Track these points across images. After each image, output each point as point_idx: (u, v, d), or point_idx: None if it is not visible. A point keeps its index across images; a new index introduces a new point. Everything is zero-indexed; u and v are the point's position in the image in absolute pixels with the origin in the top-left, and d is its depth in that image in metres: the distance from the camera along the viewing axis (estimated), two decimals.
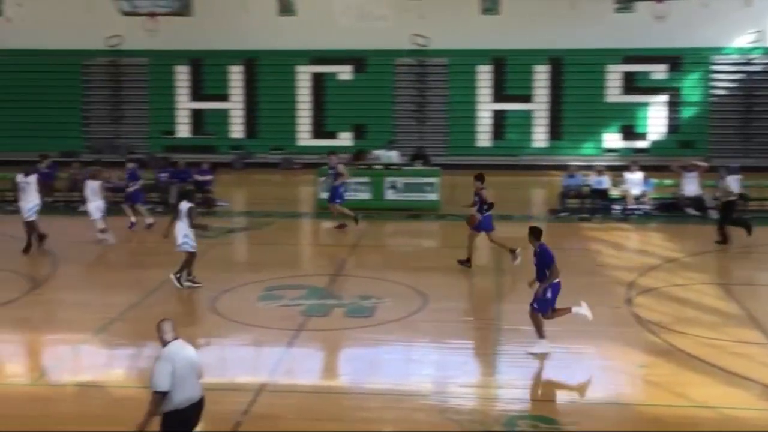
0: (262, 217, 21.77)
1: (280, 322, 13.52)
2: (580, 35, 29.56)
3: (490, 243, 17.14)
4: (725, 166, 19.98)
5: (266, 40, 30.38)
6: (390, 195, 22.34)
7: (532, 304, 12.06)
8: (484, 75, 30.68)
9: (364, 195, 22.21)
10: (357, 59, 30.55)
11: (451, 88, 30.68)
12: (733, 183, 19.34)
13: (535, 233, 12.25)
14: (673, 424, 10.04)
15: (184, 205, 15.09)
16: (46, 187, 22.80)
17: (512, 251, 16.46)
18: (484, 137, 30.79)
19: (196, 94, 30.96)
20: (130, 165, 21.25)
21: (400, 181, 22.40)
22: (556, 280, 11.99)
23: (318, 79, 30.79)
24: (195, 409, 8.23)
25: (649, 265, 17.00)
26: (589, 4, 29.59)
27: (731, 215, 18.93)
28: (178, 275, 15.11)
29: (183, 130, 31.00)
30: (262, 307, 14.34)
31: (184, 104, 30.97)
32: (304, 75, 30.79)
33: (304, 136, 30.84)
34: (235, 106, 30.92)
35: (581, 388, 11.21)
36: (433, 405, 10.55)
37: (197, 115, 30.96)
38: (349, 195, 21.18)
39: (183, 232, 15.05)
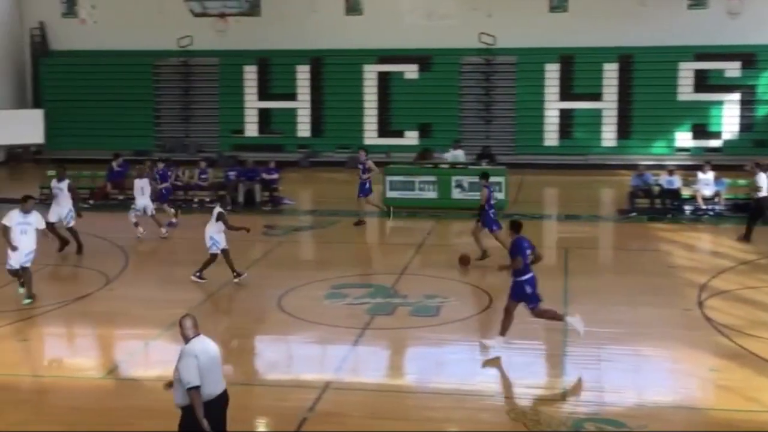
0: (327, 216, 21.89)
1: (346, 320, 13.58)
2: (651, 32, 29.05)
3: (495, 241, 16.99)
4: (757, 163, 19.54)
5: (333, 39, 30.54)
6: (456, 194, 22.25)
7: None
8: (552, 73, 30.36)
9: (431, 194, 22.16)
10: (423, 58, 30.51)
11: (517, 87, 30.43)
12: (763, 180, 18.83)
13: (513, 227, 12.37)
14: (745, 429, 9.79)
15: (216, 210, 15.51)
16: (117, 185, 23.39)
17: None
18: (551, 136, 30.48)
19: (264, 94, 31.27)
20: (160, 165, 21.78)
21: (466, 180, 22.27)
22: (530, 275, 11.95)
23: (384, 78, 30.83)
24: (215, 404, 8.22)
25: (722, 267, 16.61)
26: (660, 0, 29.06)
27: (761, 213, 18.58)
28: (234, 273, 15.47)
29: (251, 129, 31.36)
30: (328, 305, 14.42)
31: (252, 103, 31.32)
32: (370, 74, 30.86)
33: (370, 135, 30.89)
34: (302, 105, 31.16)
35: (650, 391, 11.01)
36: (498, 405, 10.49)
37: (265, 114, 31.29)
38: (416, 194, 21.19)
39: (209, 234, 15.47)
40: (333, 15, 30.73)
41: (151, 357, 12.55)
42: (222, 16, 28.83)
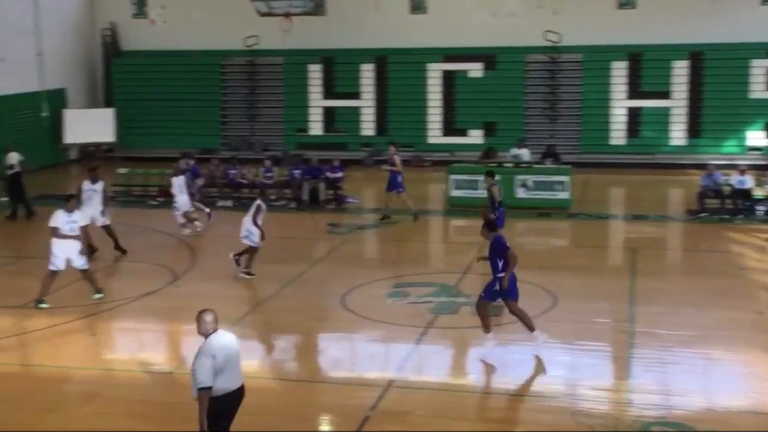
0: (391, 214, 21.89)
1: (409, 319, 13.59)
2: (723, 29, 28.39)
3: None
4: None
5: (397, 38, 30.56)
6: (520, 193, 22.10)
7: (481, 294, 12.01)
8: (619, 71, 29.86)
9: None
10: (488, 56, 30.31)
11: (583, 85, 30.02)
12: None
13: (488, 226, 12.25)
14: None
15: (256, 203, 16.06)
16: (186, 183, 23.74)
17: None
18: (618, 135, 29.99)
19: (329, 92, 31.44)
20: (190, 162, 22.06)
21: (531, 179, 22.11)
22: (502, 274, 11.83)
23: (448, 77, 30.71)
24: (230, 399, 8.24)
25: None
26: None
27: None
28: (245, 268, 15.84)
29: (315, 127, 31.55)
30: (391, 303, 14.45)
31: (317, 102, 31.51)
32: (434, 72, 30.78)
33: (434, 134, 30.83)
34: (366, 103, 31.23)
35: (719, 395, 10.78)
36: (562, 407, 10.38)
37: (329, 113, 31.46)
38: (480, 193, 21.11)
39: (246, 226, 15.83)
40: (397, 13, 30.75)
41: None
42: (287, 15, 29.07)
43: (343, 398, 10.79)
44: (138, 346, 13.26)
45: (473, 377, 11.71)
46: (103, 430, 9.86)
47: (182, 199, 19.59)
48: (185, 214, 19.59)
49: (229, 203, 23.07)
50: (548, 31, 29.31)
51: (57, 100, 29.99)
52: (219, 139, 31.60)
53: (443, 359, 12.44)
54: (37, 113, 28.80)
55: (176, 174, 20.00)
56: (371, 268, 17.35)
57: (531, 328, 11.96)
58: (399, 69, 30.86)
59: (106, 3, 32.53)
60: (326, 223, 20.89)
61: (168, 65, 31.78)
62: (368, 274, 16.34)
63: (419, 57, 30.58)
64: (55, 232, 14.02)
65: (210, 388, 7.98)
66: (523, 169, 22.64)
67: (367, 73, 31.01)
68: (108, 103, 32.07)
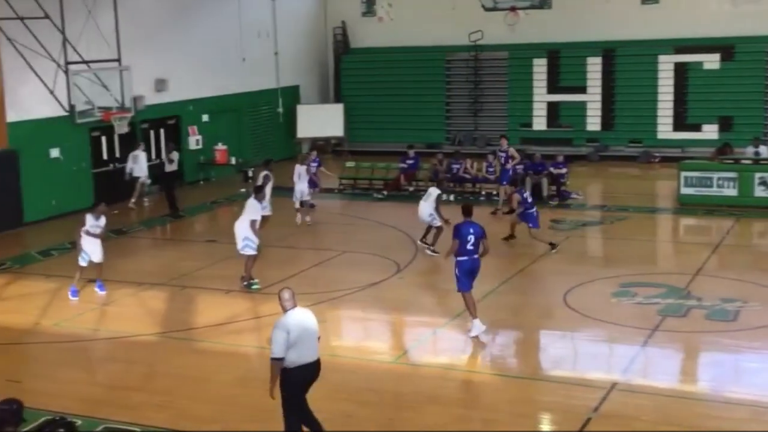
0: (616, 211, 21.27)
1: (635, 320, 13.15)
2: None
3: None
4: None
5: (626, 29, 29.56)
6: (759, 192, 20.74)
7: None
8: None
9: (730, 191, 20.88)
10: (725, 47, 28.64)
11: None
12: None
13: (463, 211, 12.89)
14: None
15: (435, 191, 17.36)
16: (409, 176, 24.25)
17: (551, 245, 17.28)
18: None
19: (553, 87, 30.94)
20: (314, 153, 23.20)
21: None
22: (461, 258, 12.34)
23: (681, 69, 29.32)
24: (304, 371, 8.72)
25: None
26: None
27: None
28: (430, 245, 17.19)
29: (539, 122, 31.15)
30: (616, 303, 14.03)
31: (541, 97, 31.08)
32: (665, 65, 29.48)
33: (665, 129, 29.54)
34: (592, 98, 30.44)
35: None
36: None
37: (553, 108, 30.96)
38: (714, 191, 20.08)
39: (428, 211, 17.21)
40: (627, 4, 29.72)
41: (438, 345, 12.90)
42: (513, 9, 28.87)
43: (563, 397, 10.60)
44: (362, 335, 13.71)
45: (703, 384, 11.15)
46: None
47: (299, 187, 20.15)
48: (301, 203, 20.26)
49: (451, 197, 23.29)
50: None
51: (291, 96, 31.54)
52: (443, 134, 31.96)
53: (671, 363, 11.93)
54: (274, 109, 30.44)
55: (300, 163, 20.71)
56: (595, 266, 16.94)
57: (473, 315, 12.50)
58: (627, 62, 29.84)
59: (337, 3, 33.78)
60: (549, 219, 20.60)
61: (394, 61, 32.52)
62: (592, 272, 15.96)
63: (649, 49, 29.42)
64: (84, 232, 15.03)
65: (282, 359, 8.53)
66: (763, 166, 21.26)
67: (594, 66, 30.20)
68: (337, 99, 33.31)
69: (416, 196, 22.54)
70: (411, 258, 17.25)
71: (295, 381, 8.74)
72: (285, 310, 8.83)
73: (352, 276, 16.10)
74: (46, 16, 19.18)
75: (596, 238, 19.74)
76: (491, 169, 23.69)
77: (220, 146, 26.89)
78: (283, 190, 21.24)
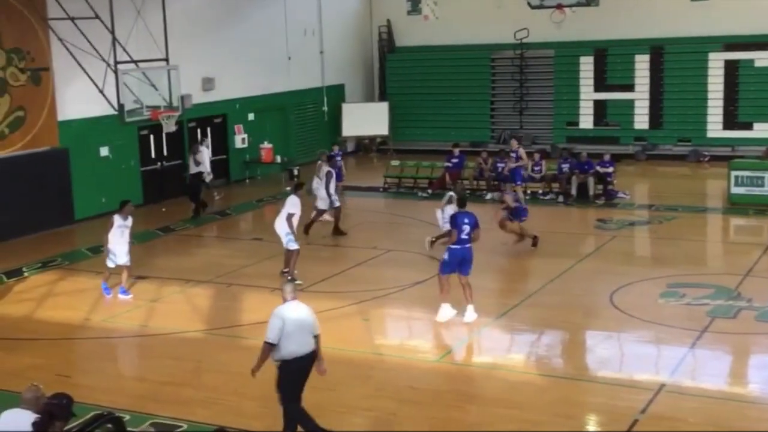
0: (664, 211, 21.00)
1: (683, 321, 12.98)
2: None
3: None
4: None
5: (675, 26, 29.15)
6: None
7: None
8: None
9: None
10: None
11: None
12: None
13: (458, 202, 14.00)
14: None
15: (447, 194, 17.21)
16: (453, 175, 24.17)
17: (533, 238, 17.63)
18: None
19: (600, 85, 30.61)
20: (335, 147, 23.14)
21: None
22: (454, 246, 13.12)
23: (731, 67, 28.84)
24: (299, 363, 9.08)
25: None
26: None
27: None
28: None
29: (585, 120, 30.86)
30: (663, 304, 13.86)
31: (588, 95, 30.77)
32: (715, 62, 29.00)
33: (714, 128, 29.07)
34: (639, 96, 30.06)
35: None
36: None
37: (600, 106, 30.64)
38: (765, 191, 19.72)
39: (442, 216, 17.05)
40: (676, 1, 29.32)
41: (481, 344, 12.85)
42: (559, 7, 28.63)
43: (610, 398, 10.50)
44: (406, 333, 13.71)
45: (754, 387, 10.96)
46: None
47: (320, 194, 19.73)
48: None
49: (496, 196, 23.20)
50: None
51: (336, 95, 31.63)
52: (488, 132, 31.82)
53: (720, 366, 11.75)
54: (319, 107, 30.56)
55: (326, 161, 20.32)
56: (642, 266, 16.73)
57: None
58: (676, 59, 29.42)
59: (382, 1, 33.80)
60: (595, 218, 20.43)
61: (439, 59, 32.45)
62: (639, 272, 15.77)
63: (699, 46, 28.99)
64: (107, 233, 14.99)
65: (274, 345, 8.98)
66: None
67: (642, 64, 29.83)
68: (382, 98, 33.34)
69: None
70: None
71: (293, 372, 9.12)
72: (284, 301, 9.27)
73: (396, 274, 16.10)
74: (96, 17, 19.44)
75: (643, 237, 19.50)
76: (537, 168, 23.54)
77: (266, 145, 27.08)
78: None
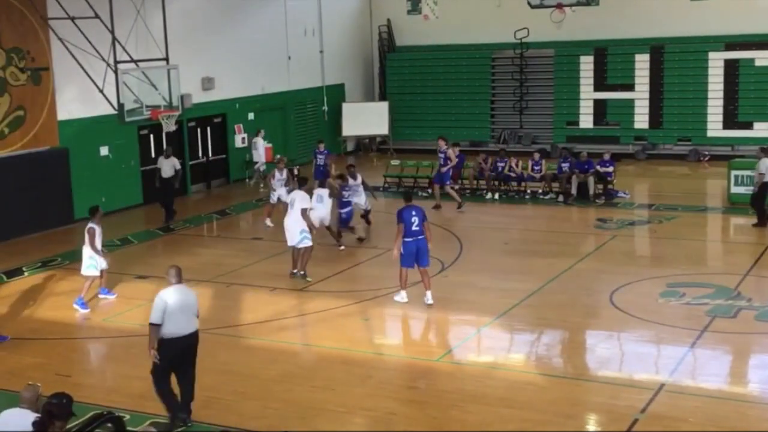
0: (664, 210, 20.99)
1: (683, 320, 12.97)
2: None
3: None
4: (763, 148, 19.13)
5: (675, 26, 29.16)
6: None
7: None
8: None
9: None
10: None
11: None
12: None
13: (404, 197, 14.50)
14: None
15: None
16: (453, 175, 24.10)
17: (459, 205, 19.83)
18: None
19: (600, 84, 30.62)
20: (321, 145, 23.63)
21: None
22: (407, 239, 13.67)
23: (731, 66, 28.85)
24: (179, 342, 9.65)
25: None
26: None
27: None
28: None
29: (585, 120, 30.86)
30: (663, 303, 13.85)
31: (588, 94, 30.77)
32: (715, 62, 29.01)
33: (714, 127, 29.07)
34: (639, 95, 30.07)
35: None
36: None
37: (600, 106, 30.64)
38: None
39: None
40: (677, 1, 29.33)
41: (483, 344, 12.83)
42: (560, 6, 28.61)
43: (609, 398, 10.49)
44: (406, 333, 13.71)
45: (753, 387, 10.95)
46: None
47: (279, 191, 19.91)
48: (272, 206, 20.24)
49: (496, 196, 23.21)
50: None
51: (336, 94, 31.63)
52: (488, 132, 31.83)
53: (720, 365, 11.74)
54: (319, 107, 30.56)
55: (279, 169, 20.47)
56: (642, 266, 16.71)
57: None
58: (676, 59, 29.42)
59: (382, 1, 33.80)
60: (595, 218, 20.43)
61: (439, 59, 32.46)
62: (639, 272, 15.77)
63: (699, 45, 29.00)
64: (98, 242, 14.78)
65: (158, 325, 9.54)
66: None
67: (642, 63, 29.83)
68: (382, 97, 33.34)
69: (460, 194, 22.58)
70: (455, 256, 17.21)
71: (167, 350, 9.61)
72: (170, 284, 9.80)
73: (396, 274, 16.03)
74: (96, 16, 19.44)
75: (643, 237, 19.49)
76: (537, 168, 23.54)
77: (266, 144, 27.08)
78: None
